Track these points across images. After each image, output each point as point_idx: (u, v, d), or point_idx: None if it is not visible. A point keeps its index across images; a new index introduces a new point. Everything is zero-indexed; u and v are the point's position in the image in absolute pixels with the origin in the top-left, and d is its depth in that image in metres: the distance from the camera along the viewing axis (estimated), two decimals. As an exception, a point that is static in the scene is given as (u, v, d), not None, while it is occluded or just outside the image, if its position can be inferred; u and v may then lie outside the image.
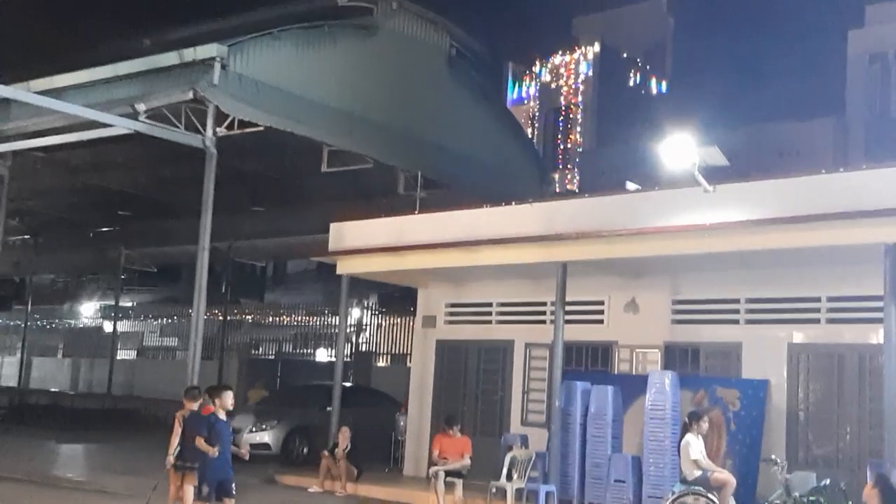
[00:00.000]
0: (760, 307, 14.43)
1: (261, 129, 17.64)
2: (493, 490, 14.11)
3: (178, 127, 17.03)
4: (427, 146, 20.80)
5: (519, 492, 14.15)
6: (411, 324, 21.93)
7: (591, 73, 37.97)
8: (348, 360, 24.49)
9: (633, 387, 14.51)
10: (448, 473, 14.47)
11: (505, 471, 14.13)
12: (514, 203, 15.81)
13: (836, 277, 13.49)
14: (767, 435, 13.73)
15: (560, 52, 38.84)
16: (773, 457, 11.83)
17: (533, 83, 39.48)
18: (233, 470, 10.71)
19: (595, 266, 14.90)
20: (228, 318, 30.17)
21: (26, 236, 32.08)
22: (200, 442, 10.45)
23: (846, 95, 29.72)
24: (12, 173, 20.67)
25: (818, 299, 13.88)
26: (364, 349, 27.84)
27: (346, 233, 17.64)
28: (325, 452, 16.36)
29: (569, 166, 37.35)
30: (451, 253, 15.73)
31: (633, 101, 37.44)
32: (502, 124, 24.03)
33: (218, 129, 17.07)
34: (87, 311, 40.12)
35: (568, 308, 14.73)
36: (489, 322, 17.58)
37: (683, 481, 11.63)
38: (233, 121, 17.32)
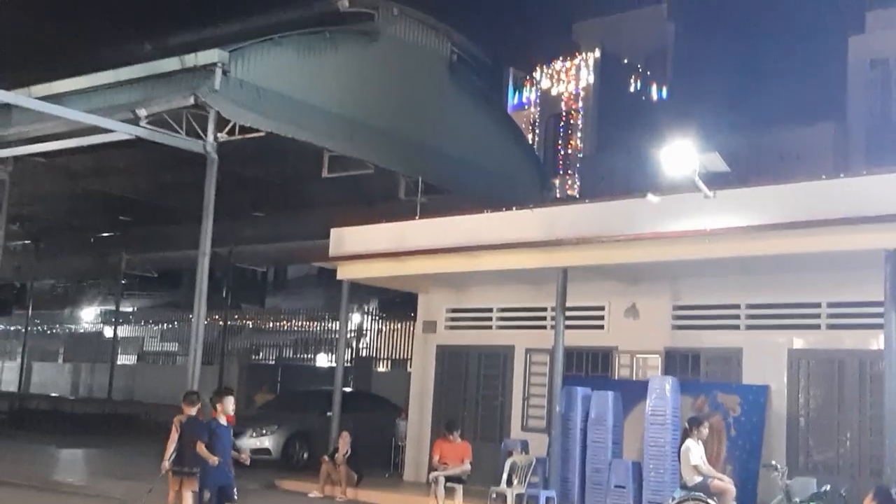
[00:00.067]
0: (761, 313, 14.44)
1: (262, 134, 17.68)
2: (494, 495, 14.11)
3: (179, 132, 17.07)
4: (428, 151, 20.82)
5: (519, 497, 14.14)
6: (412, 329, 21.93)
7: (591, 79, 37.96)
8: (349, 365, 24.49)
9: (633, 392, 14.51)
10: (448, 479, 14.47)
11: (505, 476, 14.13)
12: (514, 208, 15.85)
13: (837, 283, 13.49)
14: (768, 440, 13.73)
15: (560, 58, 38.82)
16: (774, 462, 11.85)
17: (533, 89, 39.48)
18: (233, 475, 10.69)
19: (595, 271, 14.91)
20: (229, 323, 30.15)
21: (27, 241, 32.11)
22: (201, 448, 10.41)
23: (847, 100, 29.74)
24: (13, 178, 20.71)
25: (818, 305, 13.88)
26: (364, 354, 27.85)
27: (346, 238, 17.65)
28: (326, 458, 16.36)
29: (569, 172, 37.34)
30: (451, 258, 15.74)
31: (634, 107, 37.39)
32: (503, 130, 24.07)
33: (219, 135, 17.12)
34: (88, 316, 40.14)
35: (568, 313, 14.74)
36: (490, 327, 17.59)
37: (684, 487, 11.63)
38: (234, 126, 17.36)
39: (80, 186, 24.24)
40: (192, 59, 16.98)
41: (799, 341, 14.05)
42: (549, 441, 14.84)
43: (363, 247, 17.21)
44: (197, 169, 17.10)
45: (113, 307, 34.86)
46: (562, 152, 37.89)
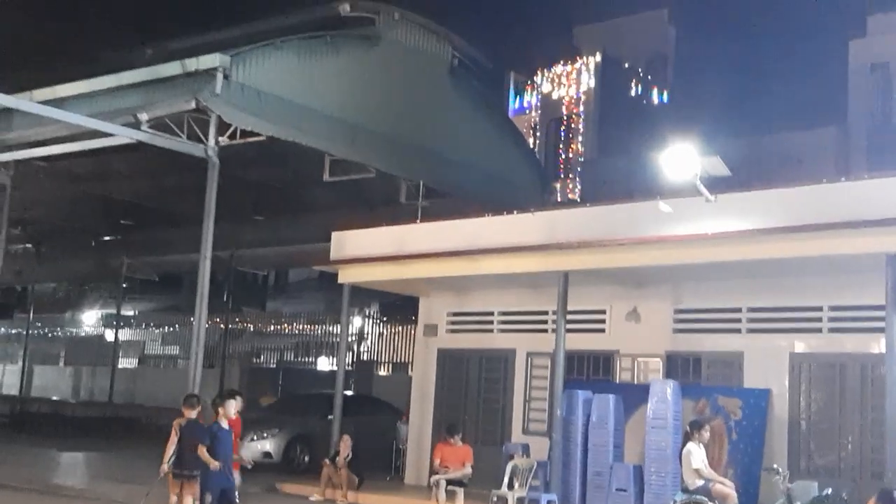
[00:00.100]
0: (762, 316, 14.44)
1: (263, 138, 17.68)
2: (495, 499, 14.10)
3: (180, 136, 17.08)
4: (429, 155, 20.83)
5: (520, 500, 14.13)
6: (413, 332, 21.91)
7: (592, 83, 37.97)
8: (350, 368, 24.50)
9: (634, 396, 14.50)
10: (449, 482, 14.48)
11: (506, 479, 14.12)
12: (515, 212, 15.85)
13: (838, 287, 13.49)
14: (769, 444, 13.72)
15: (561, 62, 38.81)
16: (775, 466, 11.83)
17: (534, 93, 39.49)
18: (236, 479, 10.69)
19: (597, 275, 14.91)
20: (230, 326, 30.18)
21: (28, 245, 32.15)
22: (203, 452, 10.41)
23: (848, 104, 29.77)
24: (14, 182, 20.69)
25: (820, 308, 13.89)
26: (365, 358, 27.85)
27: (347, 242, 17.65)
28: (327, 461, 16.34)
29: (570, 176, 37.32)
30: (452, 262, 15.74)
31: (635, 111, 37.40)
32: (504, 134, 24.07)
33: (220, 139, 17.13)
34: (89, 319, 40.19)
35: (569, 317, 14.73)
36: (491, 331, 17.58)
37: (685, 490, 11.62)
38: (235, 130, 17.37)
39: (82, 190, 24.27)
40: (193, 64, 16.99)
41: (800, 345, 14.05)
42: (551, 444, 14.82)
43: (364, 250, 17.21)
44: (198, 173, 17.11)
45: (114, 311, 34.89)
46: (563, 156, 37.87)
